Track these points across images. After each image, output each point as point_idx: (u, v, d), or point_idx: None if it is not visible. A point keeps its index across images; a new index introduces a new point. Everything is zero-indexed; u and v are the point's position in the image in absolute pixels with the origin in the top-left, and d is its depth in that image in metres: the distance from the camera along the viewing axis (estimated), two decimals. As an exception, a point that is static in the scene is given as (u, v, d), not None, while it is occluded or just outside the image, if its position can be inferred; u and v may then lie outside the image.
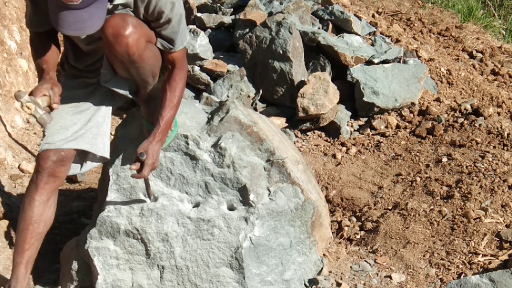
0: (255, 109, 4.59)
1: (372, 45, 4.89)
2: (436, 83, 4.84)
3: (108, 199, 2.57)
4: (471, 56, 5.61)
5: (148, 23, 2.28)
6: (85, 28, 2.01)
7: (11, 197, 3.40)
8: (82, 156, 2.51)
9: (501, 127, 3.95)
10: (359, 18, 5.20)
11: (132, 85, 2.46)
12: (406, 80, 4.59)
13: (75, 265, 2.60)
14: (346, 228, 3.24)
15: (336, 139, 4.33)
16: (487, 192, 3.26)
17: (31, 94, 2.23)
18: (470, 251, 2.87)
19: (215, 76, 4.72)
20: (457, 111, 4.31)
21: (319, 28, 4.90)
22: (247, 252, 2.52)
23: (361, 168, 3.87)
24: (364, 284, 2.76)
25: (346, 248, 3.07)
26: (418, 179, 3.57)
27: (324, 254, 2.88)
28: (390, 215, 3.22)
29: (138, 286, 2.51)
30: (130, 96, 2.48)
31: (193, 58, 4.69)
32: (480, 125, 4.01)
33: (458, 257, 2.85)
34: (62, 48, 2.55)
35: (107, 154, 2.50)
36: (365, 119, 4.51)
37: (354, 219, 3.34)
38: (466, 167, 3.56)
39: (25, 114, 4.47)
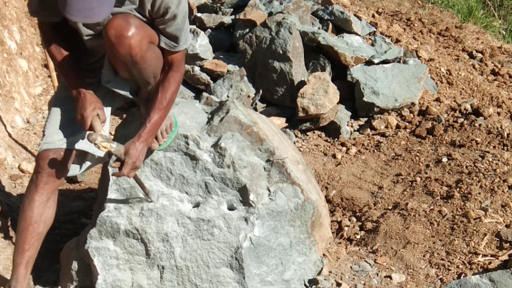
0: (255, 109, 4.59)
1: (372, 45, 4.89)
2: (436, 83, 4.84)
3: (108, 199, 2.57)
4: (471, 56, 5.61)
5: (152, 21, 2.27)
6: (93, 15, 1.99)
7: (11, 197, 3.41)
8: (81, 156, 2.51)
9: (501, 127, 3.95)
10: (359, 18, 5.20)
11: (133, 85, 2.46)
12: (406, 80, 4.59)
13: (75, 265, 2.60)
14: (346, 228, 3.24)
15: (336, 139, 4.33)
16: (487, 192, 3.26)
17: (90, 128, 2.28)
18: (470, 251, 2.87)
19: (215, 76, 4.72)
20: (457, 111, 4.31)
21: (319, 28, 4.90)
22: (247, 252, 2.51)
23: (361, 168, 3.87)
24: (364, 284, 2.76)
25: (346, 248, 3.07)
26: (418, 179, 3.56)
27: (324, 254, 2.88)
28: (390, 215, 3.22)
29: (138, 286, 2.51)
30: (130, 96, 2.48)
31: (193, 58, 4.69)
32: (480, 125, 4.01)
33: (458, 257, 2.85)
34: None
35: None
36: (365, 119, 4.51)
37: (354, 219, 3.34)
38: (466, 167, 3.56)
39: (25, 115, 4.48)
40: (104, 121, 2.34)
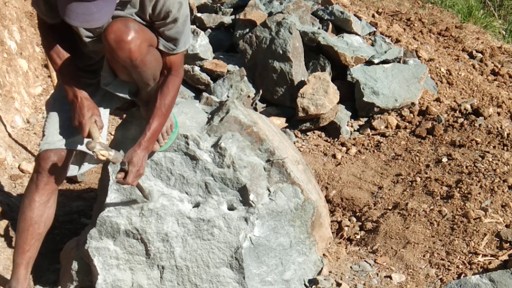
0: (255, 109, 4.59)
1: (372, 45, 4.89)
2: (436, 83, 4.84)
3: (108, 199, 2.57)
4: (471, 56, 5.61)
5: (152, 24, 2.27)
6: (92, 20, 2.00)
7: (11, 197, 3.41)
8: (80, 157, 2.51)
9: (501, 127, 3.95)
10: (359, 18, 5.21)
11: (132, 86, 2.45)
12: (406, 80, 4.59)
13: (75, 265, 2.60)
14: (346, 228, 3.24)
15: (336, 139, 4.33)
16: (487, 192, 3.26)
17: (89, 136, 2.28)
18: (470, 251, 2.87)
19: (215, 76, 4.72)
20: (457, 111, 4.31)
21: (319, 28, 4.90)
22: (247, 252, 2.52)
23: (361, 168, 3.87)
24: (364, 284, 2.76)
25: (346, 248, 3.07)
26: (418, 179, 3.56)
27: (324, 254, 2.88)
28: (390, 215, 3.22)
29: (138, 286, 2.51)
30: (129, 98, 2.48)
31: (193, 58, 4.69)
32: (480, 125, 4.01)
33: (458, 257, 2.85)
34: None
35: (105, 156, 2.49)
36: (365, 119, 4.51)
37: (354, 219, 3.34)
38: (466, 167, 3.56)
39: (25, 115, 4.48)
40: (101, 128, 2.34)
